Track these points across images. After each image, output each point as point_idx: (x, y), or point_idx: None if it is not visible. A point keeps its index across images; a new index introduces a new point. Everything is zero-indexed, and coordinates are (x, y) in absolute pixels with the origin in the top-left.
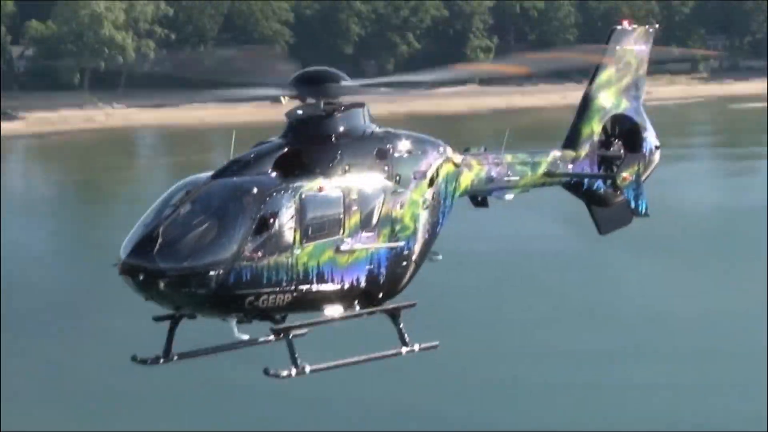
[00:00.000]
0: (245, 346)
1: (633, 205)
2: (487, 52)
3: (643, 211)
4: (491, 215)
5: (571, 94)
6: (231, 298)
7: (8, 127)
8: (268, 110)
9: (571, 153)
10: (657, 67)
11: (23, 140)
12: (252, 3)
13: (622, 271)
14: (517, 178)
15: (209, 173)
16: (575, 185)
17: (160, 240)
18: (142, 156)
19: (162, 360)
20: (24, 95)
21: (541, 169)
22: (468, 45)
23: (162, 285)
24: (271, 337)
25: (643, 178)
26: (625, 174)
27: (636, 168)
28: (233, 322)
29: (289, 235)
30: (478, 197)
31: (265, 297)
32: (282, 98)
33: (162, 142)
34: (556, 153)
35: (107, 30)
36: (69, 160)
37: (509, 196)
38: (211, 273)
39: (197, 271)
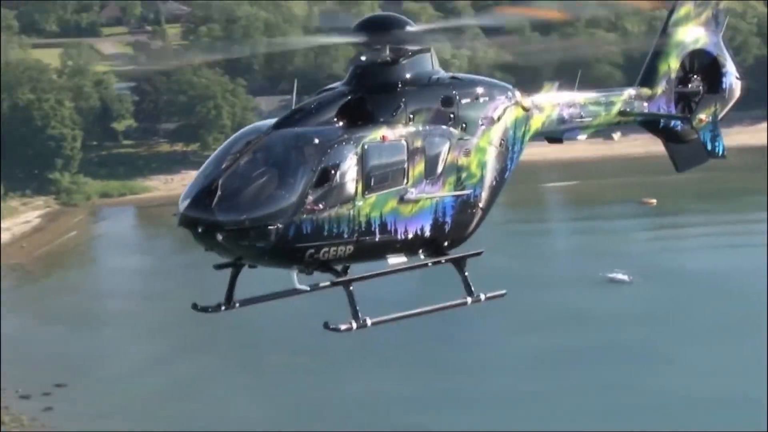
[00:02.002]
0: (306, 294)
1: (709, 146)
2: None
3: (720, 152)
4: None
5: None
6: (291, 250)
7: None
8: (601, 146)
9: (647, 91)
10: None
11: None
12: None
13: None
14: (590, 118)
15: (271, 121)
16: (652, 123)
17: (219, 192)
18: None
19: (224, 307)
20: None
21: (616, 109)
22: None
23: (221, 237)
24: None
25: (721, 116)
26: (701, 116)
27: (713, 109)
28: (294, 272)
29: (351, 187)
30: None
31: (326, 249)
32: (613, 135)
33: None
34: (631, 91)
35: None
36: None
37: (582, 137)
38: (270, 226)
39: (256, 224)
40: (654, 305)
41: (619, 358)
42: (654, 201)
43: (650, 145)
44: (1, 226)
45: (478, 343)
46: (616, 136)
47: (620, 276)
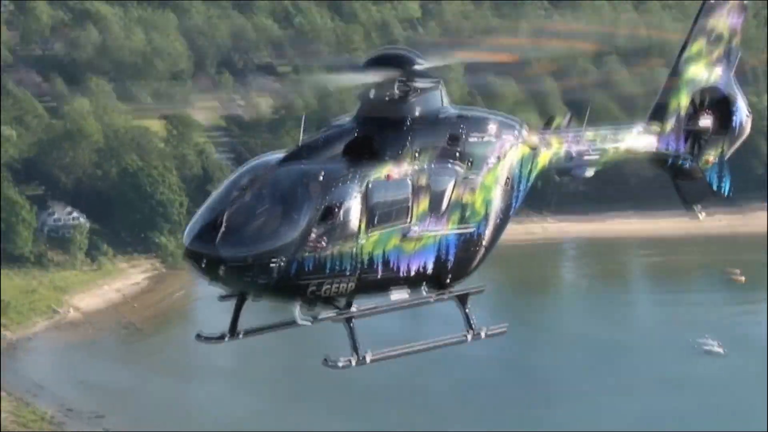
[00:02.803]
0: (309, 323)
1: (715, 186)
2: None
3: (726, 191)
4: None
5: None
6: (292, 286)
7: None
8: (687, 224)
9: (656, 127)
10: None
11: None
12: None
13: None
14: (598, 155)
15: (279, 155)
16: (660, 160)
17: (223, 227)
18: (568, 264)
19: (228, 338)
20: None
21: (624, 145)
22: None
23: (223, 272)
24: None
25: (729, 153)
26: (708, 156)
27: (720, 149)
28: (296, 306)
29: (354, 224)
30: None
31: (328, 285)
32: (699, 214)
33: (587, 251)
34: (640, 128)
35: None
36: (511, 265)
37: (590, 173)
38: (273, 263)
39: (258, 260)
40: (748, 374)
41: (716, 421)
42: (743, 278)
43: (736, 225)
44: (112, 287)
45: (581, 403)
46: (702, 215)
47: (715, 347)
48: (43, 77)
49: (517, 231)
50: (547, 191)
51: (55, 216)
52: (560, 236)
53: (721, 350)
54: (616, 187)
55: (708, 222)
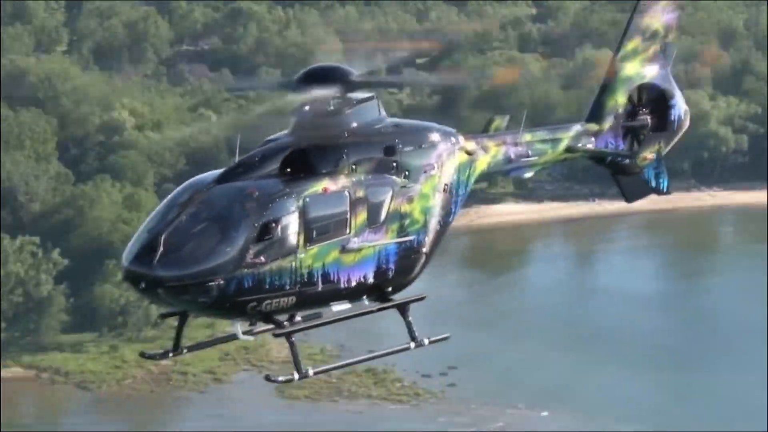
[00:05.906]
0: (251, 338)
1: (653, 184)
2: None
3: (664, 189)
4: None
5: None
6: (232, 304)
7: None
8: None
9: (594, 126)
10: None
11: (644, 215)
12: None
13: None
14: (536, 156)
15: (215, 173)
16: (599, 158)
17: (161, 247)
18: (725, 232)
19: (171, 354)
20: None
21: (562, 146)
22: None
23: (163, 293)
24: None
25: (667, 149)
26: (646, 154)
27: (657, 147)
28: (236, 323)
29: (292, 239)
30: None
31: (268, 301)
32: None
33: (750, 217)
34: (578, 128)
35: (713, 125)
36: (681, 229)
37: (529, 174)
38: (212, 282)
39: (197, 279)
40: None
41: None
42: None
43: None
44: None
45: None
46: None
47: None
48: (211, 69)
49: (686, 199)
50: (712, 164)
51: None
52: (726, 203)
53: None
54: None
55: None
